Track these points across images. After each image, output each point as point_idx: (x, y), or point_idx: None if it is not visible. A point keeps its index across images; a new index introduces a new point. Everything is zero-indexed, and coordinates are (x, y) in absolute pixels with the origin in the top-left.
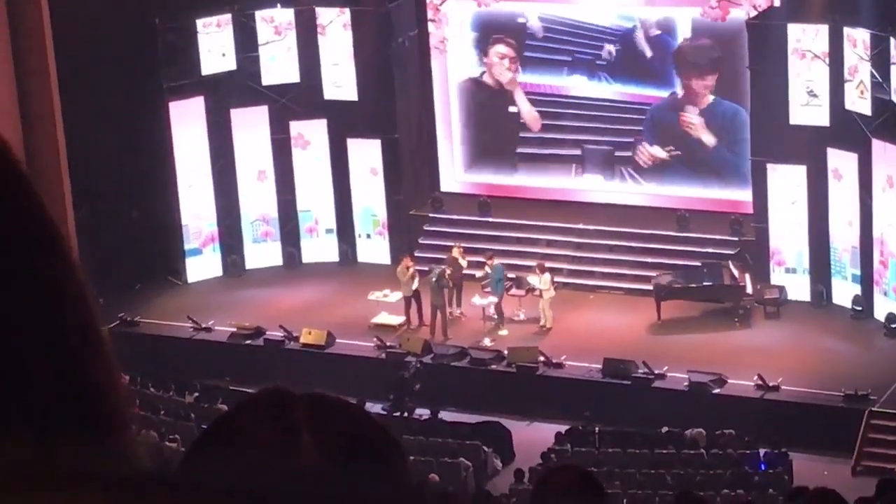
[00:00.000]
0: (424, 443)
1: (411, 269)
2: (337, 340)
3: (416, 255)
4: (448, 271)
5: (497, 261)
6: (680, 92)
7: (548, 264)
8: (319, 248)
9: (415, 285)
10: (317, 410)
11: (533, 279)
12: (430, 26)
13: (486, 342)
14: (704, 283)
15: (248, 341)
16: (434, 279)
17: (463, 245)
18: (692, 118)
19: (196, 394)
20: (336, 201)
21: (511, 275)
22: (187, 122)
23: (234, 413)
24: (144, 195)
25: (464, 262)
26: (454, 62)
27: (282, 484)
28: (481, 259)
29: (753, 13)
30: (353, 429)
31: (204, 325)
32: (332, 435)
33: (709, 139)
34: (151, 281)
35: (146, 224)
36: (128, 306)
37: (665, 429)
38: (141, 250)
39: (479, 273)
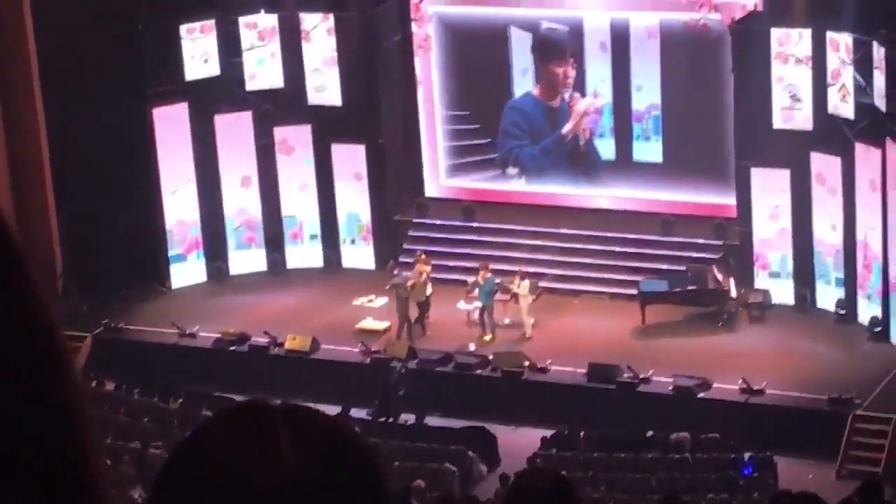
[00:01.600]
0: (410, 448)
1: (424, 275)
2: (322, 346)
3: (400, 260)
4: (410, 283)
5: (489, 273)
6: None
7: (532, 269)
8: (304, 253)
9: (428, 291)
10: (295, 421)
11: (512, 287)
12: (413, 25)
13: (472, 347)
14: (689, 288)
15: (232, 347)
16: (390, 287)
17: (440, 250)
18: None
19: (181, 400)
20: (320, 207)
21: (496, 280)
22: (171, 127)
23: (211, 424)
24: (129, 201)
25: (427, 267)
26: (439, 61)
27: (262, 495)
28: (474, 265)
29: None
30: (332, 439)
31: (188, 332)
32: (311, 445)
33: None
34: (136, 287)
35: (130, 230)
36: (112, 313)
37: (650, 433)
38: (125, 256)
39: (469, 279)
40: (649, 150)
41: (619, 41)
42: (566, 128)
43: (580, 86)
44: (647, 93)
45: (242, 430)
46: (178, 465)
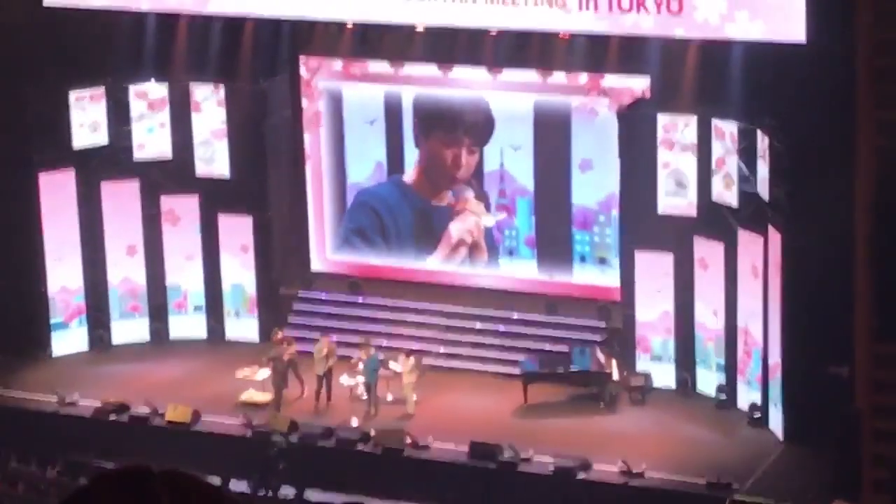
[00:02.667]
0: None
1: (327, 350)
2: (203, 418)
3: (285, 333)
4: (286, 357)
5: (373, 350)
6: None
7: (417, 346)
8: (188, 324)
9: (330, 363)
10: (176, 487)
11: (394, 365)
12: (304, 100)
13: (354, 422)
14: (571, 369)
15: (112, 417)
16: (267, 359)
17: (325, 324)
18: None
19: (58, 469)
20: (205, 278)
21: (380, 356)
22: (57, 194)
23: (91, 489)
24: (11, 267)
25: (292, 348)
26: (327, 138)
27: None
28: (358, 340)
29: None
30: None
31: (68, 400)
32: None
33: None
34: (16, 353)
35: (12, 296)
36: None
37: None
38: (6, 322)
39: (354, 355)
40: (605, 277)
41: (544, 121)
42: (434, 257)
43: (479, 182)
44: (598, 175)
45: (122, 495)
46: None
